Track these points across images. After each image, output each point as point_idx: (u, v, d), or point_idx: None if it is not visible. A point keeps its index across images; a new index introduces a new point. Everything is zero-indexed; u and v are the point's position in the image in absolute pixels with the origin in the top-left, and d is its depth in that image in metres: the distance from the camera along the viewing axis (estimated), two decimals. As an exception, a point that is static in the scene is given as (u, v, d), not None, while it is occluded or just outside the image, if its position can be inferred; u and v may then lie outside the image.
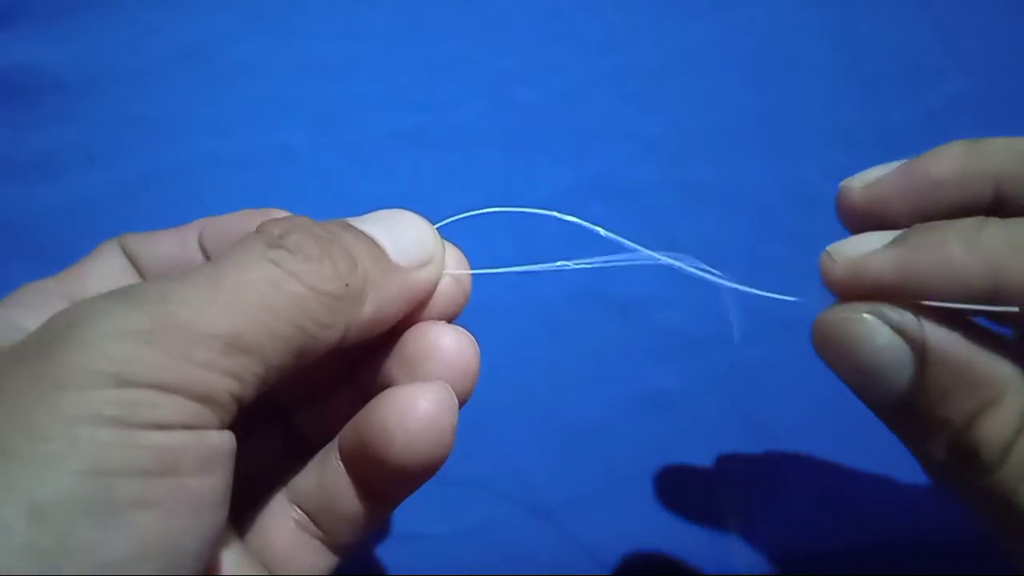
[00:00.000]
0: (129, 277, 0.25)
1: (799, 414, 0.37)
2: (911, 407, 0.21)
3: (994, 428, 0.20)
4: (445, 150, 0.39)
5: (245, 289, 0.19)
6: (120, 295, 0.19)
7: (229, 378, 0.19)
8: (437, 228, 0.24)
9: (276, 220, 0.22)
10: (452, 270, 0.24)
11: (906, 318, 0.21)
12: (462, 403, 0.23)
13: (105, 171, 0.39)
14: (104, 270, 0.25)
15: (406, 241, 0.23)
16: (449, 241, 0.25)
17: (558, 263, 0.25)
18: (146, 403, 0.17)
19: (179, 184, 0.39)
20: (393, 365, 0.24)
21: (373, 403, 0.23)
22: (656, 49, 0.40)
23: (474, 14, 0.40)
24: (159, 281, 0.19)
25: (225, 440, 0.19)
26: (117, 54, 0.40)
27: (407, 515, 0.36)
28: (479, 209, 0.26)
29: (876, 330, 0.21)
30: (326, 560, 0.23)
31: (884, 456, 0.36)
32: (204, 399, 0.18)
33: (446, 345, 0.23)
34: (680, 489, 0.36)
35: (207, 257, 0.25)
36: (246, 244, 0.20)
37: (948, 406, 0.21)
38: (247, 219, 0.25)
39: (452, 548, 0.35)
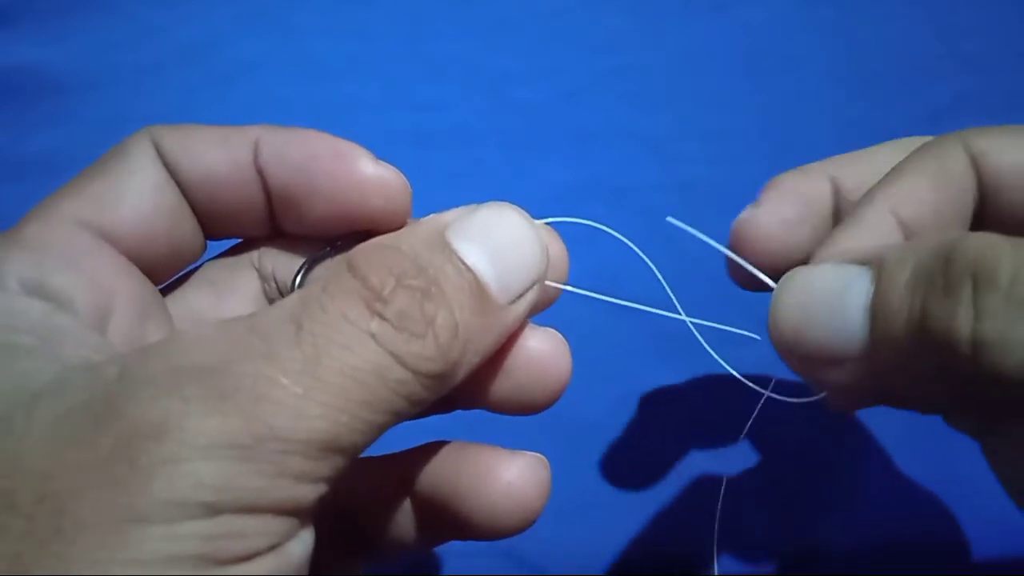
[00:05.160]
0: (169, 198, 0.22)
1: (799, 414, 0.37)
2: (877, 332, 0.20)
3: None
4: (445, 150, 0.39)
5: (349, 383, 0.17)
6: (213, 393, 0.16)
7: (320, 483, 0.17)
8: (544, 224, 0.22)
9: (372, 260, 0.18)
10: (550, 282, 0.22)
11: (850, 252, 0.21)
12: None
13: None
14: (138, 189, 0.22)
15: (512, 268, 0.20)
16: (552, 230, 0.22)
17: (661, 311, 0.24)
18: (234, 533, 0.16)
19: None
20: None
21: (461, 456, 0.21)
22: (656, 49, 0.40)
23: (474, 14, 0.40)
24: (251, 357, 0.17)
25: (306, 544, 0.18)
26: (117, 54, 0.40)
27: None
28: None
29: (823, 268, 0.21)
30: (356, 568, 0.23)
31: (884, 456, 0.36)
32: (292, 512, 0.17)
33: (534, 347, 0.21)
34: (679, 489, 0.36)
35: (265, 185, 0.22)
36: (347, 307, 0.18)
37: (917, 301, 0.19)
38: (312, 144, 0.22)
39: (451, 547, 0.35)
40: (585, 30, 0.40)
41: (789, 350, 0.21)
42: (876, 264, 0.20)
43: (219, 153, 0.22)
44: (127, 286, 0.21)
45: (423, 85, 0.40)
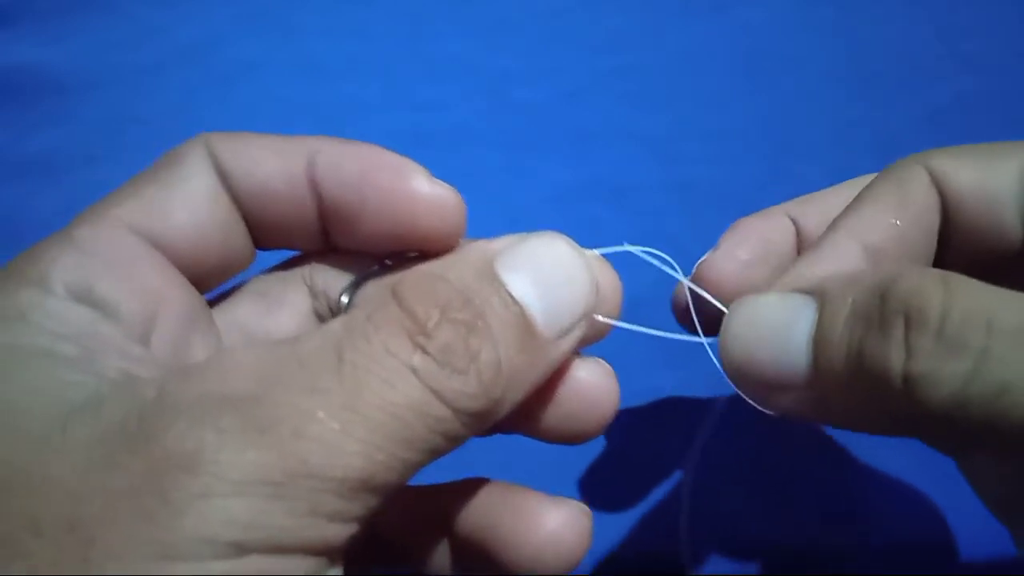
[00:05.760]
0: (222, 207, 0.22)
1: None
2: (821, 360, 0.20)
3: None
4: (445, 150, 0.39)
5: (387, 419, 0.16)
6: (249, 425, 0.16)
7: (351, 523, 0.17)
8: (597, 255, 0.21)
9: (419, 290, 0.18)
10: (599, 316, 0.21)
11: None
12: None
13: (105, 171, 0.39)
14: (192, 197, 0.21)
15: (560, 301, 0.19)
16: (604, 261, 0.22)
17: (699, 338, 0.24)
18: (262, 573, 0.16)
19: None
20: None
21: (501, 499, 0.21)
22: (656, 49, 0.40)
23: (474, 14, 0.40)
24: (291, 388, 0.16)
25: None
26: (117, 54, 0.40)
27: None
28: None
29: (770, 297, 0.21)
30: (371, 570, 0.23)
31: (884, 455, 0.36)
32: (322, 552, 0.16)
33: (583, 379, 0.21)
34: (673, 489, 0.36)
35: (319, 198, 0.21)
36: (390, 338, 0.17)
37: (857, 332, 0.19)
38: (368, 159, 0.21)
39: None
40: (585, 30, 0.40)
41: (737, 376, 0.21)
42: (820, 295, 0.20)
43: (274, 164, 0.22)
44: (174, 295, 0.21)
45: (423, 85, 0.40)
